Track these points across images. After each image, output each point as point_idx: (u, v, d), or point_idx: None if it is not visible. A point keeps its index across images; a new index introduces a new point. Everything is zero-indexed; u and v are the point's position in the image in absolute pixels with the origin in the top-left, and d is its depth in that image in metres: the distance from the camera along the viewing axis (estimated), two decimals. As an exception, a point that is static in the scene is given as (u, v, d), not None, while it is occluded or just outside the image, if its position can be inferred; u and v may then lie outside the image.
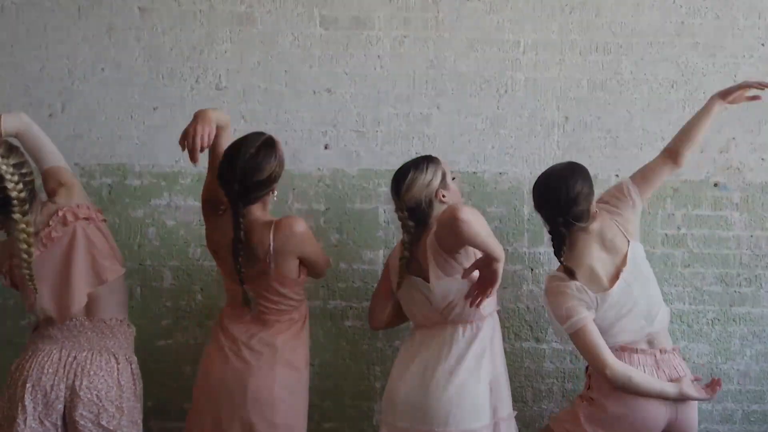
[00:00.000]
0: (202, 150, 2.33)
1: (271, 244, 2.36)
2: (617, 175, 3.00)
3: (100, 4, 3.05)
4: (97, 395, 2.34)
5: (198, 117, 2.35)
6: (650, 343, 2.50)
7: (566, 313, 2.44)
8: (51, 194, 2.44)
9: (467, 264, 2.35)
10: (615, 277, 2.48)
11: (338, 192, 3.05)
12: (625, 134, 3.06)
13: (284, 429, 2.40)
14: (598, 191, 2.64)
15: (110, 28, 3.05)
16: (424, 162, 2.51)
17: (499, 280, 2.26)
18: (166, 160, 3.02)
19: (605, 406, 2.43)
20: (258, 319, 2.46)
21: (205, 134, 2.32)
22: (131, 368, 2.47)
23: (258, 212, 2.42)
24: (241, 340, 2.44)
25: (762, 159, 3.06)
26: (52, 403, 2.32)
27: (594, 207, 2.55)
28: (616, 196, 2.63)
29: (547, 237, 2.64)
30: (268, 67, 3.05)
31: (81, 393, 2.32)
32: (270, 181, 2.39)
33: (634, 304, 2.47)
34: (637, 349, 2.47)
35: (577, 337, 2.45)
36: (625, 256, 2.51)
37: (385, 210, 3.02)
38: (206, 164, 2.50)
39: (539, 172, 2.61)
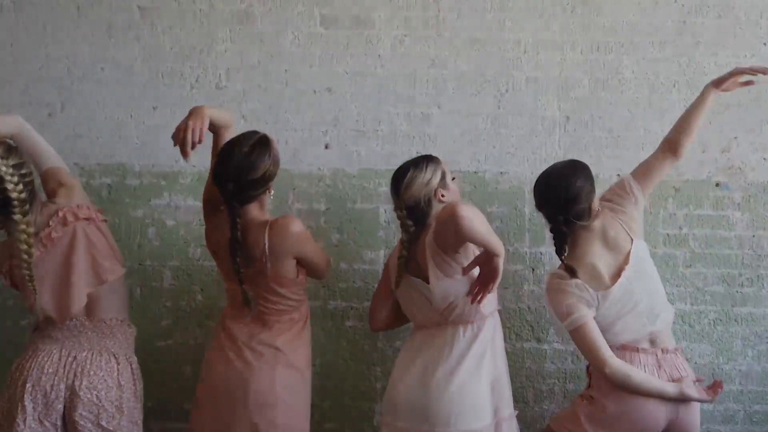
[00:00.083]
0: (193, 146, 2.32)
1: (266, 244, 2.35)
2: (618, 175, 2.98)
3: (99, 4, 3.04)
4: (96, 395, 2.34)
5: (192, 112, 2.36)
6: (652, 342, 2.49)
7: (566, 311, 2.44)
8: (51, 195, 2.44)
9: (466, 263, 2.34)
10: (617, 275, 2.48)
11: (339, 192, 3.04)
12: (627, 134, 3.05)
13: (286, 429, 2.39)
14: (599, 191, 2.64)
15: (110, 28, 3.05)
16: (424, 161, 2.51)
17: (500, 276, 2.25)
18: (165, 159, 3.01)
19: (605, 405, 2.42)
20: (258, 319, 2.45)
21: (196, 129, 2.31)
22: (131, 368, 2.47)
23: (255, 212, 2.41)
24: (242, 340, 2.43)
25: (764, 159, 3.05)
26: (52, 403, 2.32)
27: (596, 205, 2.54)
28: (619, 194, 2.62)
29: (548, 237, 2.63)
30: (268, 67, 3.05)
31: (81, 393, 2.32)
32: (265, 180, 2.38)
33: (636, 302, 2.47)
34: (638, 348, 2.46)
35: (577, 335, 2.44)
36: (628, 254, 2.50)
37: (386, 210, 3.01)
38: (204, 163, 2.49)
39: (540, 172, 2.61)
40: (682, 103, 3.01)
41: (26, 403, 2.30)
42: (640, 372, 2.40)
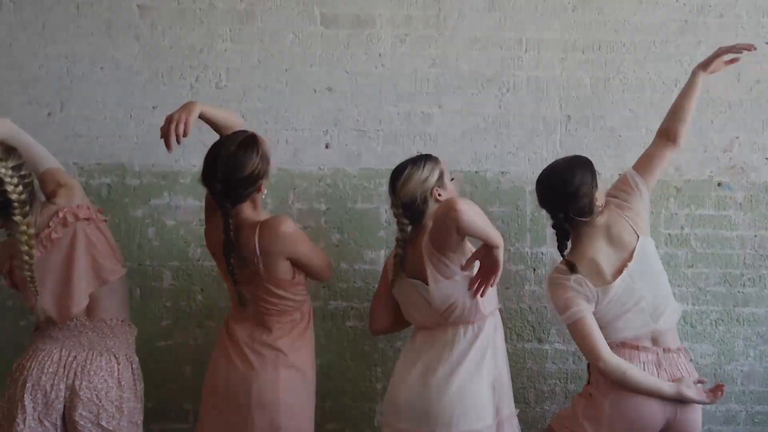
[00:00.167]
0: (178, 139, 2.30)
1: (257, 245, 2.32)
2: (620, 175, 2.97)
3: (99, 3, 3.03)
4: (96, 395, 2.34)
5: (182, 106, 2.35)
6: (654, 340, 2.47)
7: (564, 304, 2.44)
8: (50, 196, 2.43)
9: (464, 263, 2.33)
10: (619, 271, 2.46)
11: (339, 191, 3.03)
12: (628, 133, 3.04)
13: (288, 431, 2.38)
14: (602, 189, 2.62)
15: (109, 27, 3.03)
16: (423, 159, 2.50)
17: (501, 268, 2.24)
18: (165, 159, 2.99)
19: (602, 403, 2.42)
20: (260, 320, 2.43)
21: (181, 122, 2.29)
22: (132, 368, 2.47)
23: (248, 212, 2.38)
24: (243, 341, 2.42)
25: (766, 158, 3.05)
26: (52, 402, 2.32)
27: (599, 201, 2.52)
28: (624, 189, 2.60)
29: (549, 237, 2.62)
30: (269, 66, 3.04)
31: (81, 393, 2.32)
32: (253, 179, 2.34)
33: (638, 299, 2.45)
34: (639, 346, 2.45)
35: (575, 329, 2.44)
36: (633, 250, 2.49)
37: (387, 210, 3.00)
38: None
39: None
40: (683, 103, 3.00)
41: (26, 403, 2.30)
42: (635, 369, 2.39)
